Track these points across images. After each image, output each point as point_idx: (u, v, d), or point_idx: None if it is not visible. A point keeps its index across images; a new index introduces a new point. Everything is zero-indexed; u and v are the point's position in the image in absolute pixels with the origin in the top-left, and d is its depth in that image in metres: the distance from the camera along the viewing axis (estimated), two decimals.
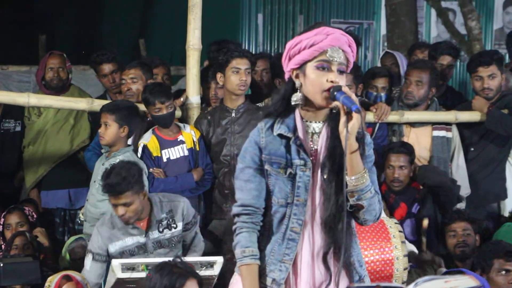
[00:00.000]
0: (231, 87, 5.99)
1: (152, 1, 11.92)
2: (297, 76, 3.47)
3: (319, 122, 3.49)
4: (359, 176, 3.35)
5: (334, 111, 3.44)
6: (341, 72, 3.41)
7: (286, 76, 3.54)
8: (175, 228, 5.38)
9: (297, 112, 3.49)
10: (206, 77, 6.43)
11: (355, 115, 3.27)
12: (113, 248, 5.29)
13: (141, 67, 6.30)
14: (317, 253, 3.50)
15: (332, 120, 3.45)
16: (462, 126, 6.67)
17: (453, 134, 6.58)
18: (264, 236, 3.53)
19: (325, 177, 3.44)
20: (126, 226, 5.30)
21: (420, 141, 6.53)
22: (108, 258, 5.28)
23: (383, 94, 6.69)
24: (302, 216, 3.46)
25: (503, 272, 5.27)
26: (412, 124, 6.57)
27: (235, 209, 3.54)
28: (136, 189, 5.18)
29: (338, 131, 3.36)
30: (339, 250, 3.43)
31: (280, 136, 3.47)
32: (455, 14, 10.28)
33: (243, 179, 3.51)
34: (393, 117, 6.48)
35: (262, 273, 3.51)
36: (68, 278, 5.17)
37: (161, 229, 5.34)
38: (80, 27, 12.80)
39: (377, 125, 6.49)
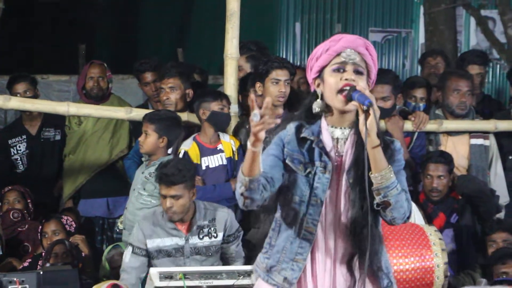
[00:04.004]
0: (270, 97, 5.98)
1: (191, 10, 11.96)
2: (318, 85, 3.49)
3: (345, 128, 3.47)
4: (384, 173, 3.34)
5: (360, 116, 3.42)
6: (358, 72, 3.41)
7: (312, 88, 3.57)
8: (215, 237, 5.40)
9: (322, 119, 3.49)
10: (245, 86, 6.44)
11: (371, 111, 3.27)
12: (151, 244, 5.34)
13: (179, 76, 6.32)
14: (340, 258, 3.47)
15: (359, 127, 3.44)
16: (500, 134, 6.62)
17: (491, 142, 6.53)
18: (276, 231, 3.53)
19: (350, 182, 3.43)
20: (167, 225, 5.34)
21: (458, 150, 6.48)
22: (147, 253, 5.33)
23: (421, 105, 6.64)
24: (317, 216, 3.44)
25: None
26: (449, 133, 6.53)
27: None
28: (188, 184, 5.28)
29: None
30: (364, 256, 3.40)
31: (304, 139, 3.48)
32: (495, 22, 10.19)
33: (264, 154, 3.47)
34: (431, 126, 6.45)
35: (273, 271, 3.50)
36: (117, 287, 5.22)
37: (201, 236, 5.37)
38: (119, 36, 12.89)
39: (415, 134, 6.46)
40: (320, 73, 3.47)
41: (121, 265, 5.41)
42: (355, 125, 3.45)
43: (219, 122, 6.04)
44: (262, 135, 3.22)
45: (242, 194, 3.33)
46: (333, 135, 3.48)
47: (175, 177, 5.25)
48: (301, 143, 3.48)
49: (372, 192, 3.36)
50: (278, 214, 3.53)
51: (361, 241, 3.40)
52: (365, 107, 3.28)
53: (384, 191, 3.35)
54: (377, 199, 3.37)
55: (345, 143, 3.48)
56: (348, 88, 3.36)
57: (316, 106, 3.47)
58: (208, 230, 5.38)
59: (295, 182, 3.46)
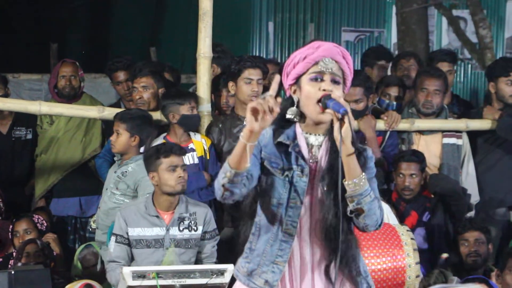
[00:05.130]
0: (243, 97, 6.00)
1: (163, 9, 11.93)
2: (294, 92, 3.51)
3: (319, 135, 3.51)
4: (358, 180, 3.37)
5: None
6: (335, 82, 3.44)
7: (287, 94, 3.58)
8: (195, 230, 5.42)
9: (297, 124, 3.52)
10: (217, 85, 6.44)
11: (346, 119, 3.30)
12: (132, 232, 5.37)
13: (152, 75, 6.30)
14: (318, 263, 3.50)
15: (333, 134, 3.46)
16: (473, 133, 6.66)
17: (464, 141, 6.57)
18: (256, 235, 3.54)
19: (325, 189, 3.46)
20: (150, 213, 5.36)
21: (430, 149, 6.52)
22: (128, 242, 5.34)
23: (395, 103, 6.67)
24: (296, 218, 3.46)
25: None
26: (422, 132, 6.56)
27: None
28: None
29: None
30: (340, 261, 3.43)
31: (280, 143, 3.49)
32: (466, 22, 10.25)
33: None
34: (403, 125, 6.48)
35: (254, 275, 3.51)
36: (90, 287, 5.20)
37: (181, 228, 5.39)
38: (91, 35, 12.84)
39: (388, 133, 6.49)
40: (296, 80, 3.49)
41: (107, 256, 5.41)
42: (328, 132, 3.48)
43: (190, 125, 6.05)
44: (257, 128, 3.19)
45: (223, 185, 3.35)
46: (307, 141, 3.51)
47: (180, 148, 5.46)
48: (278, 147, 3.49)
49: (345, 199, 3.39)
50: (257, 218, 3.54)
51: (336, 246, 3.41)
52: (340, 115, 3.30)
53: (358, 198, 3.38)
54: (351, 206, 3.40)
55: (319, 149, 3.50)
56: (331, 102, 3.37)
57: (291, 113, 3.48)
58: (189, 223, 5.40)
59: (273, 185, 3.48)
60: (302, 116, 3.50)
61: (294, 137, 3.49)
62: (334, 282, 3.45)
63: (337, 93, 3.40)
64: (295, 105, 3.49)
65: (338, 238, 3.40)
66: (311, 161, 3.49)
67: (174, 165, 5.35)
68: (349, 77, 3.52)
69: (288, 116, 3.49)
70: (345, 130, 3.31)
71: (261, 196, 3.52)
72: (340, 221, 3.38)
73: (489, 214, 6.68)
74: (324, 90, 3.39)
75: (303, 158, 3.47)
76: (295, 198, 3.46)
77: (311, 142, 3.50)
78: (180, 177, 5.34)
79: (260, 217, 3.53)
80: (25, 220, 6.20)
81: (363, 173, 3.39)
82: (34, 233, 6.14)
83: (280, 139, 3.49)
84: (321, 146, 3.50)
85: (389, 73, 7.43)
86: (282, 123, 3.52)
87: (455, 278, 5.55)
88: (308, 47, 3.48)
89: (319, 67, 3.43)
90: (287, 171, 3.46)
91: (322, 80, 3.42)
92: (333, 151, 3.43)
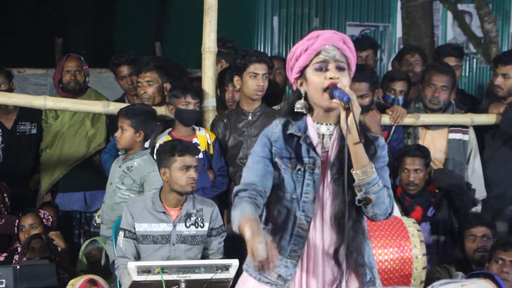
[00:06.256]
0: (248, 91, 6.00)
1: (168, 4, 11.93)
2: (301, 85, 3.52)
3: (331, 124, 3.51)
4: (365, 169, 3.37)
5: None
6: (340, 68, 3.44)
7: (294, 87, 3.59)
8: (201, 227, 5.41)
9: (308, 115, 3.52)
10: (223, 80, 6.44)
11: (351, 108, 3.31)
12: (138, 228, 5.36)
13: (157, 70, 6.30)
14: (327, 251, 3.49)
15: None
16: (480, 129, 6.65)
17: (470, 137, 6.56)
18: (269, 231, 3.50)
19: (334, 176, 3.46)
20: (157, 210, 5.36)
21: (436, 144, 6.51)
22: (136, 236, 5.34)
23: (400, 98, 6.64)
24: (310, 213, 3.46)
25: (499, 261, 5.41)
26: (428, 127, 6.55)
27: (236, 188, 3.47)
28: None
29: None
30: (348, 248, 3.44)
31: (291, 135, 3.50)
32: (472, 16, 10.24)
33: (252, 161, 3.52)
34: (408, 119, 6.47)
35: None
36: (93, 282, 5.20)
37: (188, 224, 5.38)
38: (96, 30, 12.83)
39: (393, 128, 6.49)
40: (301, 73, 3.50)
41: (116, 252, 5.40)
42: (339, 120, 3.47)
43: (183, 119, 6.04)
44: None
45: None
46: (319, 131, 3.50)
47: (196, 147, 5.47)
48: (288, 140, 3.49)
49: (353, 187, 3.39)
50: (271, 214, 3.53)
51: (346, 233, 3.42)
52: (345, 105, 3.31)
53: (366, 187, 3.38)
54: (359, 195, 3.40)
55: (330, 139, 3.51)
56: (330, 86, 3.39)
57: (299, 106, 3.50)
58: (196, 219, 5.39)
59: (285, 180, 3.48)
60: (310, 109, 3.51)
61: (305, 129, 3.50)
62: (344, 270, 3.46)
63: (343, 80, 3.42)
64: (303, 98, 3.50)
65: (345, 225, 3.40)
66: (322, 150, 3.49)
67: (187, 165, 5.33)
68: (353, 61, 3.52)
69: (296, 109, 3.50)
70: (350, 119, 3.33)
71: (274, 192, 3.51)
72: (346, 209, 3.39)
73: (500, 211, 6.66)
74: (331, 78, 3.40)
75: (314, 150, 3.47)
76: (309, 193, 3.46)
77: (322, 132, 3.51)
78: (191, 177, 5.32)
79: (274, 213, 3.52)
80: (31, 215, 6.21)
81: (371, 162, 3.39)
82: (40, 228, 6.15)
83: (291, 130, 3.49)
84: (332, 135, 3.51)
85: (389, 67, 7.40)
86: (292, 116, 3.54)
87: (460, 274, 5.55)
88: (307, 38, 3.49)
89: (322, 57, 3.44)
90: (299, 165, 3.46)
91: (326, 69, 3.43)
92: (343, 139, 3.42)
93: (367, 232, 3.58)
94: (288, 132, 3.50)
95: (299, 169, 3.46)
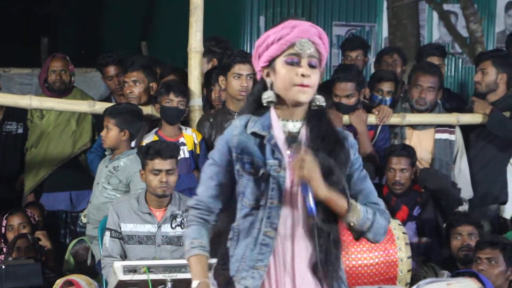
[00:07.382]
0: (232, 92, 6.00)
1: (154, 3, 11.92)
2: (268, 75, 3.25)
3: (297, 121, 3.25)
4: (350, 217, 3.18)
5: (314, 107, 3.24)
6: (312, 66, 3.19)
7: (258, 76, 3.33)
8: None
9: (272, 110, 3.25)
10: (209, 79, 6.44)
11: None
12: (124, 228, 5.36)
13: (143, 69, 6.30)
14: (300, 262, 3.23)
15: (312, 118, 3.25)
16: (465, 128, 6.67)
17: (456, 136, 6.57)
18: (234, 241, 3.26)
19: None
20: (142, 210, 5.36)
21: (422, 144, 6.52)
22: (122, 236, 5.34)
23: (388, 98, 6.64)
24: (276, 219, 3.19)
25: (478, 260, 5.42)
26: (414, 127, 6.56)
27: (190, 201, 3.35)
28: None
29: (319, 130, 3.21)
30: (322, 262, 3.20)
31: (254, 134, 3.23)
32: (457, 17, 10.27)
33: (207, 175, 3.31)
34: (395, 119, 6.48)
35: (233, 281, 3.23)
36: (69, 284, 5.19)
37: (173, 225, 5.38)
38: (82, 30, 12.81)
39: (379, 127, 6.50)
40: (270, 63, 3.24)
41: (102, 251, 5.40)
42: (307, 117, 3.25)
43: (166, 117, 6.03)
44: None
45: None
46: (284, 128, 3.25)
47: (170, 150, 5.34)
48: (251, 140, 3.23)
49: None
50: (235, 223, 3.27)
51: (320, 244, 3.19)
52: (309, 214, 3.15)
53: (359, 231, 3.22)
54: (354, 235, 3.26)
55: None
56: (301, 184, 3.15)
57: (266, 96, 3.22)
58: (181, 220, 5.39)
59: (249, 186, 3.22)
60: (279, 101, 3.23)
61: (269, 126, 3.23)
62: (321, 282, 3.23)
63: (313, 77, 3.18)
64: (269, 89, 3.24)
65: (321, 235, 3.20)
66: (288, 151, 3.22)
67: (157, 168, 5.30)
68: (325, 57, 3.28)
69: (265, 100, 3.23)
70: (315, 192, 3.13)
71: (239, 199, 3.26)
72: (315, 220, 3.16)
73: (483, 210, 6.68)
74: (302, 75, 3.16)
75: (279, 150, 3.20)
76: (273, 198, 3.19)
77: (288, 130, 3.24)
78: (162, 181, 5.29)
79: (238, 222, 3.26)
80: (19, 214, 6.19)
81: (351, 203, 3.17)
82: (28, 227, 6.14)
83: (255, 129, 3.23)
84: (298, 133, 3.24)
85: (372, 69, 7.41)
86: (255, 111, 3.28)
87: (445, 272, 5.56)
88: (282, 27, 3.21)
89: (296, 49, 3.18)
90: (263, 169, 3.19)
91: (298, 64, 3.17)
92: (314, 138, 3.21)
93: (341, 242, 3.28)
94: (251, 131, 3.23)
95: (263, 173, 3.19)
